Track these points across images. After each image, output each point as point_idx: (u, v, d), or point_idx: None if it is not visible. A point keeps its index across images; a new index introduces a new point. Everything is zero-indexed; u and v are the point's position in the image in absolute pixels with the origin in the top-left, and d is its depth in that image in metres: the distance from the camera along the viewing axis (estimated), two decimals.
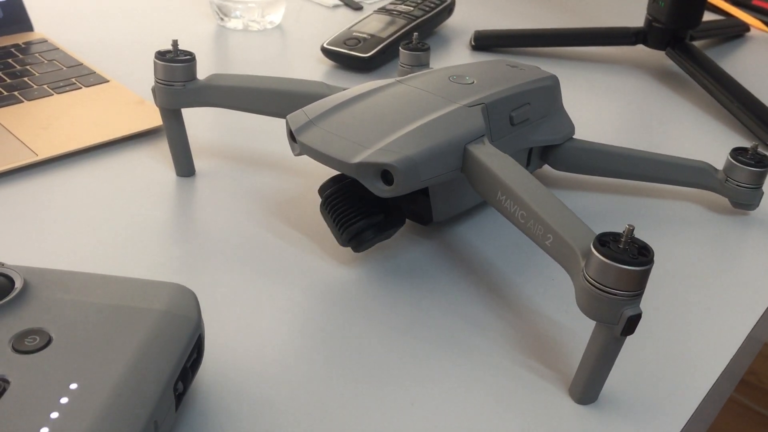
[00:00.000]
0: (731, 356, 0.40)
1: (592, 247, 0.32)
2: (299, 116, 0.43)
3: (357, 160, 0.39)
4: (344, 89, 0.48)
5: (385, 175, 0.40)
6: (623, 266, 0.31)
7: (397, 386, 0.37)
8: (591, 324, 0.41)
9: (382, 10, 0.78)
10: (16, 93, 0.59)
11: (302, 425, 0.34)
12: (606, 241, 0.33)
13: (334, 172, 0.54)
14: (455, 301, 0.42)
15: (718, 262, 0.47)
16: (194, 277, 0.43)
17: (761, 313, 0.44)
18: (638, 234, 0.49)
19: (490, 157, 0.41)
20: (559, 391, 0.37)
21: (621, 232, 0.38)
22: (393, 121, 0.42)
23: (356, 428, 0.34)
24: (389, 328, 0.40)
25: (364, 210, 0.42)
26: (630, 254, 0.32)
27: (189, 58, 0.48)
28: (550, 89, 0.50)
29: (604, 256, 0.32)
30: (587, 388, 0.36)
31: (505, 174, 0.39)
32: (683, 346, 0.40)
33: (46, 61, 0.65)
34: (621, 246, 0.32)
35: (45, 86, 0.61)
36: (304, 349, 0.38)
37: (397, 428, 0.34)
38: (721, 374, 0.39)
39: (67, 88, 0.61)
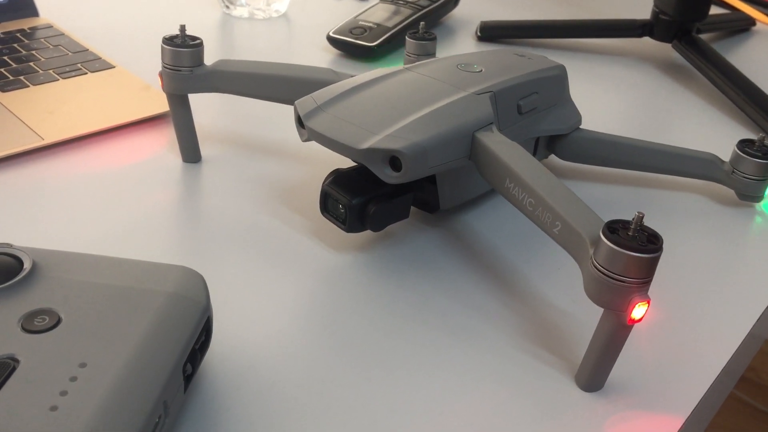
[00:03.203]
0: (733, 351, 0.40)
1: (601, 234, 0.32)
2: (307, 102, 0.43)
3: (365, 145, 0.39)
4: (352, 76, 0.48)
5: (394, 161, 0.40)
6: (633, 253, 0.31)
7: (403, 372, 0.37)
8: (596, 313, 0.41)
9: (388, 0, 0.78)
10: (21, 77, 0.59)
11: (309, 409, 0.34)
12: (615, 229, 0.33)
13: (341, 160, 0.54)
14: (461, 288, 0.42)
15: (722, 255, 0.47)
16: (200, 262, 0.43)
17: (763, 309, 0.43)
18: None
19: (498, 144, 0.41)
20: (565, 379, 0.37)
21: (630, 219, 0.38)
22: (401, 107, 0.42)
23: (362, 413, 0.34)
24: (395, 314, 0.40)
25: (363, 187, 0.42)
26: (639, 241, 0.32)
27: (197, 44, 0.48)
28: (558, 79, 0.50)
29: (613, 243, 0.32)
30: (593, 375, 0.36)
31: (514, 161, 0.39)
32: (687, 337, 0.41)
33: (51, 47, 0.65)
34: (630, 233, 0.32)
35: (51, 71, 0.61)
36: (310, 334, 0.38)
37: (403, 413, 0.34)
38: (722, 369, 0.39)
39: (73, 74, 0.61)
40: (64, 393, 0.27)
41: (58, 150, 0.52)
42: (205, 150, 0.54)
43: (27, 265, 0.32)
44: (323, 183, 0.43)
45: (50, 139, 0.52)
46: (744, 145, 0.50)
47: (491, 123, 0.43)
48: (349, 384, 0.36)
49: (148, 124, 0.56)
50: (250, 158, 0.53)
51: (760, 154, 0.49)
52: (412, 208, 0.49)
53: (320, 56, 0.71)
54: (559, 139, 0.52)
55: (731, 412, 1.35)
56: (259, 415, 0.34)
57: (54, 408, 0.26)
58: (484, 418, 0.35)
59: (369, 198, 0.42)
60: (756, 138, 0.51)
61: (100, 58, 0.63)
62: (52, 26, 0.68)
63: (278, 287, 0.41)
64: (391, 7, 0.76)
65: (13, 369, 0.28)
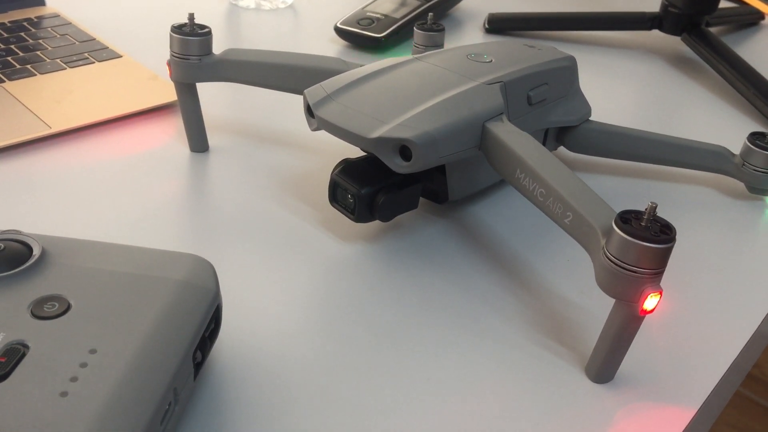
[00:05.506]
0: (741, 347, 0.40)
1: (613, 224, 0.32)
2: (317, 91, 0.43)
3: (376, 134, 0.39)
4: (362, 65, 0.48)
5: (404, 150, 0.39)
6: (646, 243, 0.31)
7: (412, 362, 0.36)
8: (606, 304, 0.41)
9: None
10: (29, 66, 0.59)
11: (317, 397, 0.34)
12: (628, 219, 0.32)
13: (350, 149, 0.53)
14: (470, 279, 0.42)
15: (731, 248, 0.47)
16: (209, 251, 0.43)
17: None
18: None
19: (509, 134, 0.41)
20: (575, 370, 0.37)
21: (643, 210, 0.37)
22: (412, 97, 0.42)
23: (371, 402, 0.34)
24: (404, 304, 0.40)
25: (372, 177, 0.42)
26: (652, 232, 0.32)
27: (206, 32, 0.48)
28: (568, 70, 0.50)
29: (626, 233, 0.31)
30: (604, 366, 0.36)
31: (525, 151, 0.39)
32: (695, 330, 0.40)
33: (58, 36, 0.64)
34: (643, 224, 0.32)
35: (58, 60, 0.60)
36: (319, 322, 0.38)
37: (412, 404, 0.34)
38: (731, 365, 0.39)
39: (80, 63, 0.60)
40: (74, 379, 0.27)
41: (65, 139, 0.52)
42: (212, 139, 0.54)
43: (36, 252, 0.32)
44: (332, 173, 0.43)
45: (57, 127, 0.52)
46: (755, 137, 0.50)
47: (501, 113, 0.43)
48: (357, 373, 0.36)
49: (156, 114, 0.56)
50: (258, 148, 0.53)
51: None
52: (421, 198, 0.48)
53: (327, 47, 0.71)
54: (569, 130, 0.52)
55: (735, 408, 1.35)
56: (268, 402, 0.34)
57: (64, 394, 0.26)
58: (494, 408, 0.34)
59: (378, 188, 0.42)
60: (767, 131, 0.50)
61: (108, 48, 0.63)
62: (58, 15, 0.68)
63: (287, 277, 0.41)
64: None
65: (23, 355, 0.28)
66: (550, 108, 0.49)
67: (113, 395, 0.26)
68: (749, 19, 0.87)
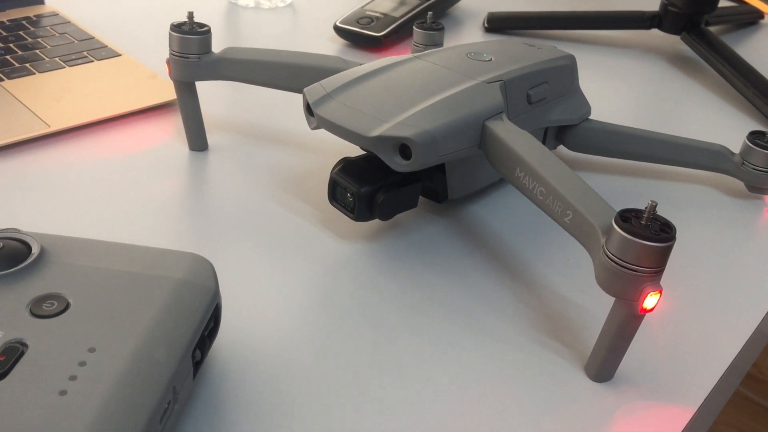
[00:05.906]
0: (741, 346, 0.40)
1: (614, 223, 0.32)
2: (317, 89, 0.42)
3: (375, 133, 0.39)
4: (361, 64, 0.48)
5: (404, 149, 0.39)
6: (646, 242, 0.31)
7: (411, 361, 0.36)
8: (606, 303, 0.41)
9: None
10: (27, 65, 0.59)
11: (316, 396, 0.34)
12: (628, 218, 0.32)
13: (350, 148, 0.53)
14: (469, 278, 0.42)
15: (731, 247, 0.47)
16: (208, 250, 0.42)
17: None
18: None
19: (509, 133, 0.40)
20: (575, 369, 0.37)
21: (643, 208, 0.37)
22: (411, 95, 0.42)
23: (371, 402, 0.34)
24: (403, 304, 0.40)
25: (372, 176, 0.42)
26: (652, 230, 0.32)
27: (205, 31, 0.48)
28: (568, 68, 0.50)
29: (626, 231, 0.31)
30: (603, 365, 0.36)
31: (524, 150, 0.39)
32: (695, 329, 0.40)
33: (57, 34, 0.64)
34: (643, 222, 0.32)
35: (57, 59, 0.60)
36: (317, 322, 0.38)
37: (412, 403, 0.34)
38: (730, 364, 0.39)
39: (79, 62, 0.60)
40: (73, 378, 0.27)
41: (64, 137, 0.52)
42: (212, 138, 0.53)
43: (35, 250, 0.32)
44: (332, 171, 0.43)
45: (57, 126, 0.52)
46: (754, 136, 0.50)
47: (501, 112, 0.42)
48: (357, 373, 0.35)
49: (155, 113, 0.56)
50: (257, 147, 0.53)
51: None
52: (421, 197, 0.48)
53: (327, 46, 0.71)
54: (568, 129, 0.52)
55: (734, 408, 1.35)
56: (267, 401, 0.33)
57: (63, 393, 0.26)
58: (494, 407, 0.34)
59: (378, 187, 0.42)
60: (767, 130, 0.50)
61: (106, 46, 0.63)
62: (57, 14, 0.68)
63: (286, 276, 0.41)
64: None
65: (22, 354, 0.28)
66: (550, 107, 0.49)
67: (112, 394, 0.26)
68: (749, 18, 0.87)
